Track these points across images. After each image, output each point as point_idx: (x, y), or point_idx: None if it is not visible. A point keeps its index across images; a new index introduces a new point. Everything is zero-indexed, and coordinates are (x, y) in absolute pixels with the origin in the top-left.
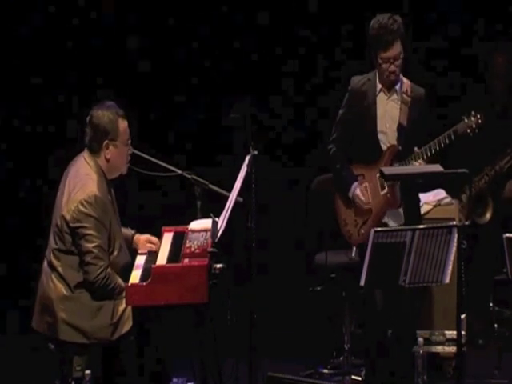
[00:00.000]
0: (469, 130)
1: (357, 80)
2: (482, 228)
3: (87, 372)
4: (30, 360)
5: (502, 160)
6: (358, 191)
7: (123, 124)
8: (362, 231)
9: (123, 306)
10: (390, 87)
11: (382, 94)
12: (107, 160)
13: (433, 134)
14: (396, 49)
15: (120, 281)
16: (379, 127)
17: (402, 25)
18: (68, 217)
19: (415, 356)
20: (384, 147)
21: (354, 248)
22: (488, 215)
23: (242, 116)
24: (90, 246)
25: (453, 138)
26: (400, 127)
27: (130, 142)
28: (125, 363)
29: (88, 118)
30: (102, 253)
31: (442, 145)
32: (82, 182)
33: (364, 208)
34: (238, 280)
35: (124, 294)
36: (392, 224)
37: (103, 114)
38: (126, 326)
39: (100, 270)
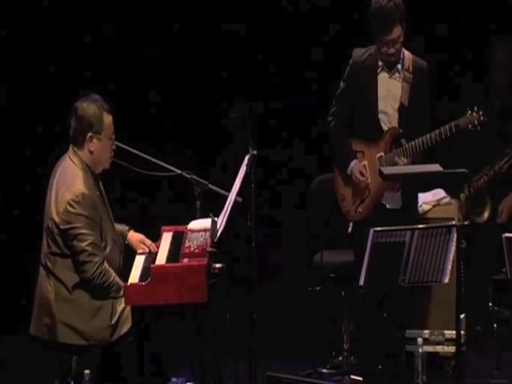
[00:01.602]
0: (470, 126)
1: (359, 53)
2: (480, 228)
3: (86, 372)
4: (29, 360)
5: (501, 160)
6: (356, 170)
7: (108, 118)
8: (360, 210)
9: (122, 305)
10: (391, 66)
11: (383, 72)
12: (91, 152)
13: (434, 114)
14: (395, 32)
15: (117, 278)
16: (380, 107)
17: (402, 7)
18: (57, 219)
19: (415, 356)
20: (384, 127)
21: (351, 224)
22: (486, 214)
23: (241, 116)
24: (83, 244)
25: (454, 131)
26: (401, 108)
27: (113, 136)
28: (124, 363)
29: (73, 110)
30: (97, 249)
31: (443, 136)
32: (69, 181)
33: (362, 186)
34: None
35: (122, 292)
36: (389, 207)
37: (88, 107)
38: (125, 326)
39: (96, 266)
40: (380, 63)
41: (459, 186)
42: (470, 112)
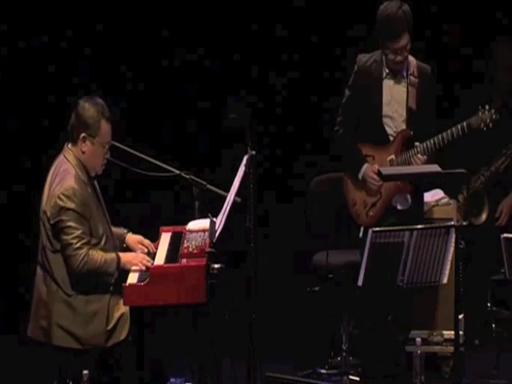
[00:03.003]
0: (482, 125)
1: (364, 60)
2: (478, 228)
3: (85, 372)
4: (28, 360)
5: (497, 160)
6: (370, 172)
7: (106, 126)
8: (371, 214)
9: (119, 312)
10: (396, 72)
11: (388, 78)
12: (83, 152)
13: (439, 114)
14: (403, 40)
15: (105, 255)
16: (385, 112)
17: (410, 15)
18: (48, 213)
19: (413, 356)
20: (390, 131)
21: (362, 228)
22: (484, 216)
23: (240, 116)
24: (68, 238)
25: (466, 130)
26: (410, 112)
27: (107, 146)
28: (123, 363)
29: (74, 105)
30: (82, 243)
31: (455, 136)
32: (60, 177)
33: (376, 188)
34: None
35: (115, 264)
36: (399, 208)
37: (89, 108)
38: (124, 332)
39: (80, 257)
40: (385, 70)
41: (458, 186)
42: (482, 111)
